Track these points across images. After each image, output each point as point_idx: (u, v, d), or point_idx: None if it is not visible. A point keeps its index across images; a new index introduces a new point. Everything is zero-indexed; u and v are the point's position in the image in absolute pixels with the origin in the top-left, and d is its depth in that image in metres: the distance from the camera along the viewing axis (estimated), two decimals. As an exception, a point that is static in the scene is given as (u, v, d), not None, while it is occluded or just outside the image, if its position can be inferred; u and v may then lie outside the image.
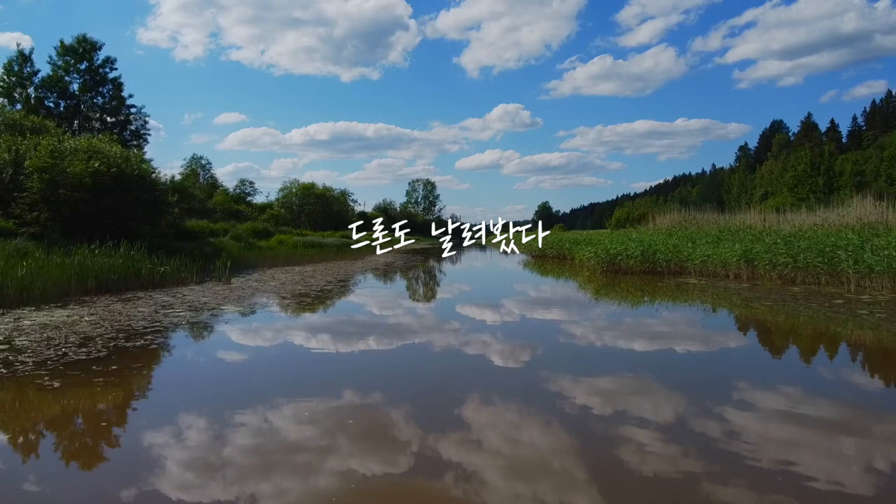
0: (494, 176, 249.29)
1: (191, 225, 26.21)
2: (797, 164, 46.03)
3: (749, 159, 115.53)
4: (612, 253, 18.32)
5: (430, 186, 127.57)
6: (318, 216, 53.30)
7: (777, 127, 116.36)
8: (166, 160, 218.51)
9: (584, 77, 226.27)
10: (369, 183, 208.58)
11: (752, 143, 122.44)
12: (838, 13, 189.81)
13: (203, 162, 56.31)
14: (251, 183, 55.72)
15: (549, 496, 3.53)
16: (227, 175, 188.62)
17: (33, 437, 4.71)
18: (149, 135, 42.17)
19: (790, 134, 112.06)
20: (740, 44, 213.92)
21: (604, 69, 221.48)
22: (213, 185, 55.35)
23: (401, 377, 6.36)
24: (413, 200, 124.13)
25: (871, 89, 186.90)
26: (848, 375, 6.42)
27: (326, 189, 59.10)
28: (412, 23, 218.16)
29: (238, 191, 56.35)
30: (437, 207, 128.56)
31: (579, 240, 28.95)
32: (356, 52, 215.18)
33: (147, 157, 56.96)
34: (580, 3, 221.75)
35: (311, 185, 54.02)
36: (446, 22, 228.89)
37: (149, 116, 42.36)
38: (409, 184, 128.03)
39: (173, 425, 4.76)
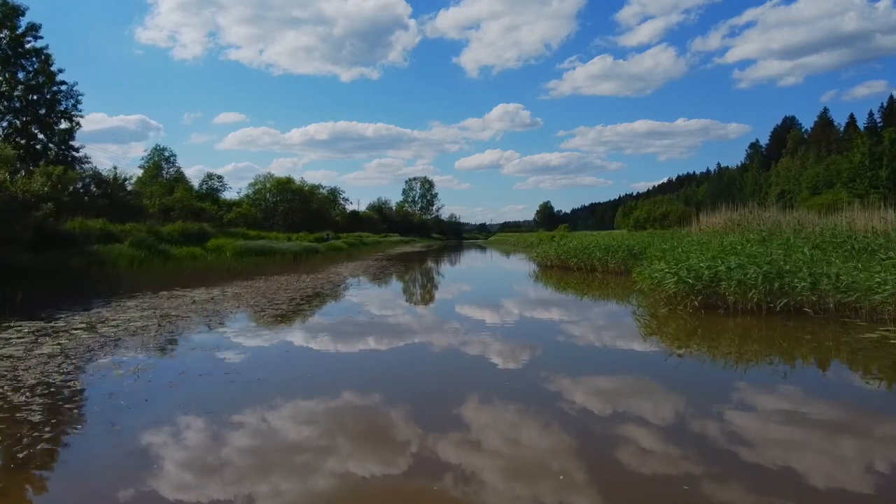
0: (494, 176, 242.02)
1: (72, 226, 18.08)
2: (853, 155, 37.77)
3: (761, 157, 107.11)
4: (706, 275, 10.12)
5: (427, 185, 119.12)
6: (295, 215, 45.14)
7: (789, 124, 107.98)
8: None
9: (583, 77, 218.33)
10: (369, 183, 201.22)
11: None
12: (838, 13, 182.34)
13: (167, 154, 48.19)
14: (219, 178, 47.48)
15: (548, 497, 3.48)
16: (226, 175, 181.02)
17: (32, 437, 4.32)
18: (81, 117, 34.09)
19: (803, 131, 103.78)
20: (740, 43, 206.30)
21: (604, 69, 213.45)
22: (178, 179, 47.34)
23: None
24: (410, 199, 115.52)
25: (871, 89, 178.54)
26: None
27: (308, 186, 50.90)
28: (412, 22, 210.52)
29: (205, 187, 48.27)
30: (435, 207, 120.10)
31: (611, 245, 20.77)
32: (355, 51, 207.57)
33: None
34: (580, 3, 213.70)
35: (287, 181, 45.64)
36: (446, 21, 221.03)
37: (82, 95, 34.12)
38: (406, 182, 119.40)
39: (173, 426, 4.59)
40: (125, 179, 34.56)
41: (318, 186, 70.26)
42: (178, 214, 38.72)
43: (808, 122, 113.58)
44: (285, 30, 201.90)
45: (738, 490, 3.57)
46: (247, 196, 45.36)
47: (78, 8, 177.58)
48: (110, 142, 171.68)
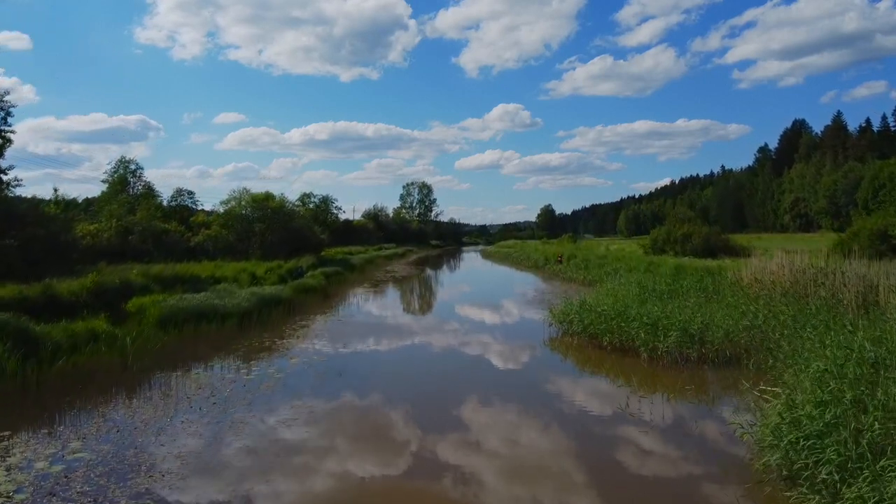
0: (494, 176, 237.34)
1: None
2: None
3: (769, 161, 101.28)
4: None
5: (426, 189, 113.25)
6: (273, 236, 39.51)
7: (799, 127, 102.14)
8: (166, 160, 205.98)
9: (583, 77, 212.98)
10: (369, 183, 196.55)
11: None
12: (839, 13, 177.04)
13: (133, 167, 42.59)
14: (190, 193, 41.86)
15: (547, 497, 3.61)
16: (226, 175, 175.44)
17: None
18: (12, 133, 28.18)
19: (815, 135, 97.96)
20: (740, 44, 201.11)
21: (604, 69, 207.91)
22: (146, 196, 41.78)
23: None
24: (407, 205, 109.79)
25: (872, 90, 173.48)
26: None
27: (289, 203, 45.11)
28: (412, 22, 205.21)
29: (175, 203, 42.72)
30: (433, 213, 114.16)
31: (659, 320, 15.02)
32: (355, 51, 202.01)
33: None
34: (580, 3, 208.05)
35: (265, 197, 39.98)
36: (445, 21, 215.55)
37: (14, 106, 28.23)
38: (404, 187, 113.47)
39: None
40: (67, 204, 29.08)
41: (309, 195, 64.55)
42: (137, 238, 33.23)
43: (810, 122, 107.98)
44: (285, 30, 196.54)
45: None
46: (217, 216, 39.68)
47: (77, 8, 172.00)
48: (110, 142, 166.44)
